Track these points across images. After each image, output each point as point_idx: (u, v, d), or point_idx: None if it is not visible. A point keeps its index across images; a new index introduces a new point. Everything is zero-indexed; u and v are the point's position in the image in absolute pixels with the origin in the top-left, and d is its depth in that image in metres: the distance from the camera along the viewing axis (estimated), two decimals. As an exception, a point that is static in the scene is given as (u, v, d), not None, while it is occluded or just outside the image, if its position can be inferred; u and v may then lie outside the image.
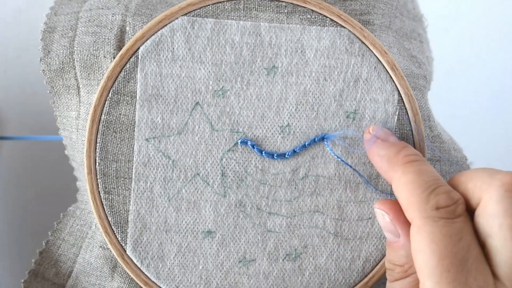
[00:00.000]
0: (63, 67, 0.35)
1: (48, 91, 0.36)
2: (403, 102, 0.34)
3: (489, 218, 0.26)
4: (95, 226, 0.36)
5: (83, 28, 0.35)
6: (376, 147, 0.32)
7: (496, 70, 0.62)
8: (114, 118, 0.33)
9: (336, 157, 0.33)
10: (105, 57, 0.34)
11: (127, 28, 0.34)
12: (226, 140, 0.33)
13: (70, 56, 0.35)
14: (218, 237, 0.33)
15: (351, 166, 0.33)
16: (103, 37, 0.34)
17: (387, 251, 0.31)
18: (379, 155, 0.31)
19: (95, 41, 0.34)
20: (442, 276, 0.26)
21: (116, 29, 0.34)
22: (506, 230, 0.26)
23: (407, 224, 0.29)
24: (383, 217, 0.30)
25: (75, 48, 0.35)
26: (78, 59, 0.35)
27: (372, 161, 0.32)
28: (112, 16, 0.35)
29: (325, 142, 0.33)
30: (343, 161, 0.33)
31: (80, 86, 0.35)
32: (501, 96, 0.62)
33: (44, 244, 0.37)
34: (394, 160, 0.30)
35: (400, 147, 0.31)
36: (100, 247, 0.35)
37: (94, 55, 0.34)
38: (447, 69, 0.56)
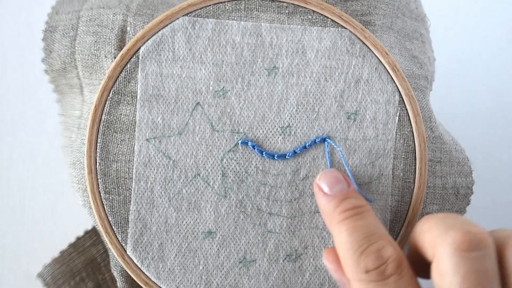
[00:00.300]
0: (65, 67, 0.35)
1: (52, 91, 0.36)
2: (404, 103, 0.34)
3: (439, 275, 0.26)
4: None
5: (84, 27, 0.35)
6: (319, 201, 0.32)
7: (496, 70, 0.62)
8: (115, 118, 0.33)
9: (329, 163, 0.33)
10: (106, 57, 0.34)
11: (128, 28, 0.34)
12: (226, 140, 0.33)
13: (71, 56, 0.35)
14: (219, 238, 0.33)
15: (349, 172, 0.33)
16: (104, 37, 0.34)
17: None
18: (321, 210, 0.31)
19: (96, 41, 0.34)
20: None
21: (117, 29, 0.34)
22: None
23: None
24: (329, 266, 0.30)
25: (77, 48, 0.35)
26: (79, 59, 0.35)
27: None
28: (113, 16, 0.35)
29: (326, 145, 0.33)
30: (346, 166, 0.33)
31: (83, 85, 0.35)
32: (501, 96, 0.62)
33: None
34: (332, 218, 0.30)
35: (337, 201, 0.30)
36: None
37: (95, 55, 0.34)
38: (446, 69, 0.56)
